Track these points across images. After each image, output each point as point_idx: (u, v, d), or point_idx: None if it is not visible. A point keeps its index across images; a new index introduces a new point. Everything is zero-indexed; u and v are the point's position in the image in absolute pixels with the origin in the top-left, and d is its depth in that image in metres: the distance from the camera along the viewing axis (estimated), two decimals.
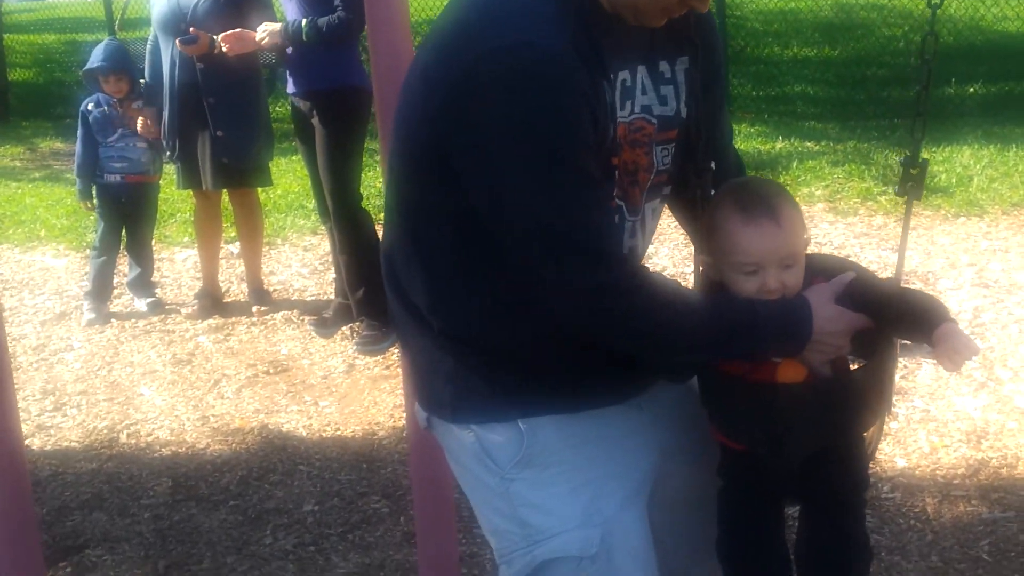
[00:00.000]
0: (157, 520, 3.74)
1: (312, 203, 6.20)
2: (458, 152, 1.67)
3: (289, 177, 8.07)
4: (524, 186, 1.64)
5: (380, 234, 2.04)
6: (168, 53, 5.30)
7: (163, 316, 5.75)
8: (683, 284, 1.86)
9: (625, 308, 1.68)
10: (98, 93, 5.70)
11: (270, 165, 5.74)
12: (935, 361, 1.78)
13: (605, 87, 1.67)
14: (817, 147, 8.20)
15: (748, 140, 8.42)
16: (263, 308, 5.68)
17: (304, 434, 4.33)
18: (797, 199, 2.03)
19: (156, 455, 4.25)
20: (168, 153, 5.53)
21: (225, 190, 5.66)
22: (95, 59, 5.65)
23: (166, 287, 6.20)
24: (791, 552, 1.99)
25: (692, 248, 2.04)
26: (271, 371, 4.97)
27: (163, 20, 5.31)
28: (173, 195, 7.01)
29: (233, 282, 6.16)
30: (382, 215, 2.05)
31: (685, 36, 1.82)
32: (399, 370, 4.16)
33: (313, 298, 5.91)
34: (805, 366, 1.80)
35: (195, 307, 5.72)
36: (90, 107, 5.71)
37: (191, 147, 5.38)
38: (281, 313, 5.65)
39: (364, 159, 5.25)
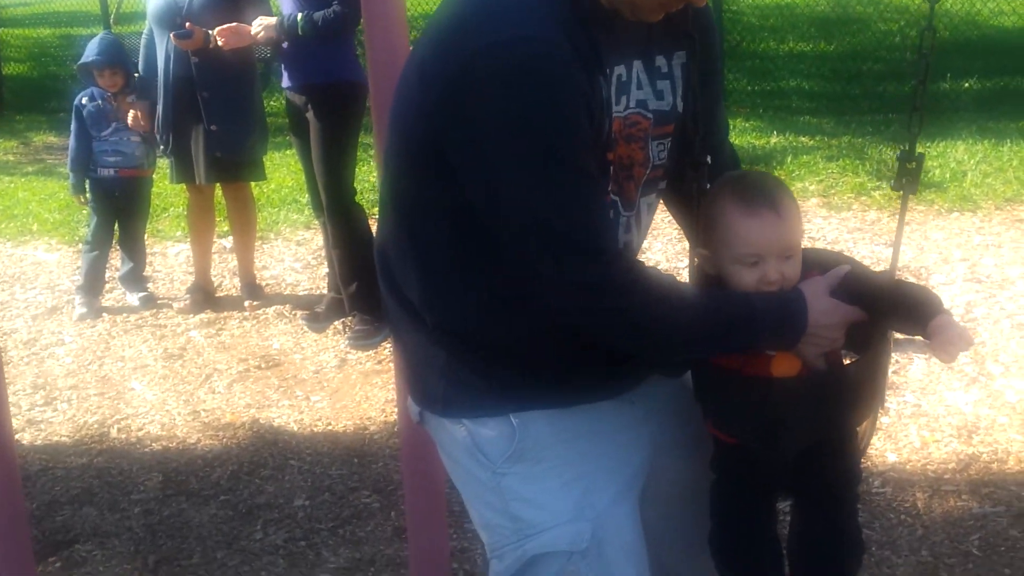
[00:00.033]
0: (147, 515, 3.73)
1: (305, 197, 6.20)
2: (454, 147, 1.66)
3: (283, 171, 8.06)
4: (520, 181, 1.63)
5: (374, 229, 2.03)
6: (163, 47, 5.30)
7: (155, 311, 5.73)
8: (678, 279, 1.86)
9: (621, 304, 1.68)
10: (92, 87, 5.70)
11: (264, 159, 5.73)
12: (928, 355, 1.78)
13: (601, 82, 1.66)
14: (812, 142, 8.21)
15: (743, 135, 8.42)
16: (255, 303, 5.67)
17: (295, 429, 4.32)
18: None
19: (147, 450, 4.24)
20: (162, 147, 5.53)
21: (218, 184, 5.65)
22: (90, 53, 5.66)
23: (158, 281, 6.18)
24: (783, 546, 1.99)
25: (686, 243, 2.03)
26: (263, 366, 4.96)
27: (159, 14, 5.30)
28: (166, 189, 6.99)
29: (225, 276, 6.15)
30: (376, 210, 2.04)
31: (682, 30, 1.81)
32: (391, 365, 4.16)
33: (306, 293, 5.90)
34: (799, 359, 1.80)
35: (187, 301, 5.70)
36: (84, 101, 5.70)
37: (185, 141, 5.37)
38: (273, 308, 5.64)
39: (358, 154, 5.25)
